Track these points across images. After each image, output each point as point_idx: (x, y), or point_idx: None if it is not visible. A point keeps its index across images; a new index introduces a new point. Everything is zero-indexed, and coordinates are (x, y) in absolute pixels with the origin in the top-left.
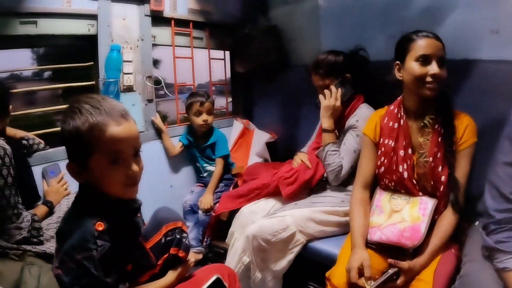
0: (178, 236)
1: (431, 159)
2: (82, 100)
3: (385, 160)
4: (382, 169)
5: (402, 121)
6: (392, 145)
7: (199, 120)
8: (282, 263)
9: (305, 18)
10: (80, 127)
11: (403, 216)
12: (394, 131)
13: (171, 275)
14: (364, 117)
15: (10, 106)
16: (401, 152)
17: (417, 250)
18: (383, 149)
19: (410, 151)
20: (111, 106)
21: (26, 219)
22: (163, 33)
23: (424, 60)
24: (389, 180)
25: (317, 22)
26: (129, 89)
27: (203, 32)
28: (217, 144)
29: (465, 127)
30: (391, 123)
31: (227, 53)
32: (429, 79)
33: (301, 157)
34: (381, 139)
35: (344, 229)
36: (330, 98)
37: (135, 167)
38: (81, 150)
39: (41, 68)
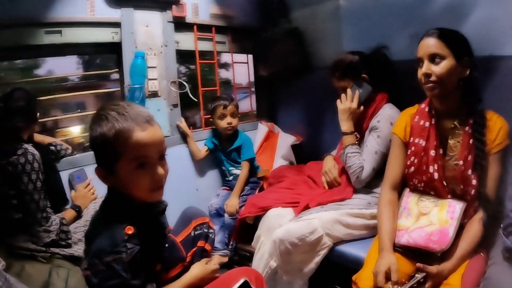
0: (205, 231)
1: (461, 162)
2: (108, 108)
3: (415, 160)
4: (412, 169)
5: (433, 120)
6: (423, 144)
7: (223, 123)
8: (309, 266)
9: (326, 20)
10: (106, 133)
11: (431, 219)
12: (425, 130)
13: (195, 268)
14: (385, 117)
15: (38, 114)
16: (432, 152)
17: (445, 254)
18: (413, 148)
19: (441, 151)
20: (136, 112)
21: (55, 222)
22: (186, 39)
23: (420, 62)
24: (418, 181)
25: (338, 23)
26: (154, 94)
27: (225, 36)
28: (242, 147)
29: (499, 129)
30: (422, 122)
31: (250, 56)
32: (424, 79)
33: (331, 170)
34: (411, 138)
35: (371, 232)
36: (346, 100)
37: (160, 171)
38: (108, 155)
39: (67, 75)
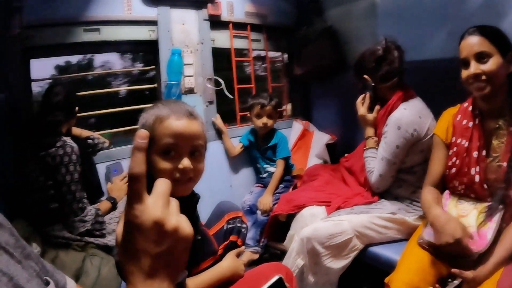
0: (238, 225)
1: (504, 164)
2: (160, 101)
3: (457, 161)
4: (453, 170)
5: (477, 120)
6: (466, 145)
7: (259, 123)
8: (337, 268)
9: (361, 18)
10: (147, 118)
11: (469, 222)
12: (468, 130)
13: (226, 261)
14: (393, 122)
15: (76, 108)
16: (475, 154)
17: (480, 258)
18: (455, 148)
19: (484, 152)
20: (179, 105)
21: (90, 213)
22: (222, 36)
23: (464, 63)
24: (459, 183)
25: (374, 21)
26: (190, 91)
27: (260, 34)
28: (278, 146)
29: None
30: (465, 122)
31: (285, 55)
32: (472, 80)
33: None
34: (454, 139)
35: (404, 235)
36: (358, 107)
37: (186, 164)
38: None
39: (107, 72)
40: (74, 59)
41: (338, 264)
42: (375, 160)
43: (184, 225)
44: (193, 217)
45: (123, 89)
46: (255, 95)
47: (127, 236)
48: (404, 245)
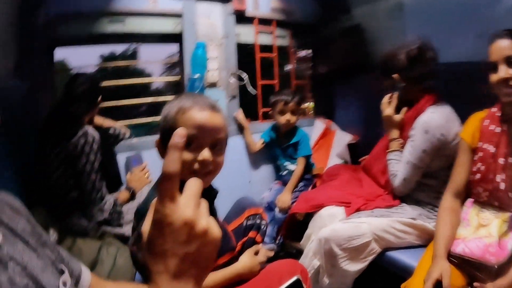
0: (258, 222)
1: None
2: (184, 93)
3: (482, 167)
4: (478, 176)
5: (505, 126)
6: (492, 151)
7: (282, 119)
8: (353, 271)
9: (388, 17)
10: (170, 109)
11: (490, 231)
12: (495, 135)
13: (244, 258)
14: (420, 125)
15: (99, 98)
16: (501, 160)
17: (501, 270)
18: (481, 154)
19: (511, 160)
20: (202, 98)
21: (109, 202)
22: (247, 32)
23: (493, 67)
24: (483, 190)
25: (401, 21)
26: (213, 85)
27: (285, 31)
28: (299, 144)
29: None
30: (492, 127)
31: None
32: (501, 84)
33: None
34: (480, 143)
35: (423, 240)
36: (384, 108)
37: (206, 155)
38: (166, 129)
39: (129, 63)
40: (119, 48)
41: (354, 267)
42: (399, 163)
43: (214, 227)
44: (211, 212)
45: (147, 80)
46: (278, 92)
47: (155, 234)
48: (423, 251)
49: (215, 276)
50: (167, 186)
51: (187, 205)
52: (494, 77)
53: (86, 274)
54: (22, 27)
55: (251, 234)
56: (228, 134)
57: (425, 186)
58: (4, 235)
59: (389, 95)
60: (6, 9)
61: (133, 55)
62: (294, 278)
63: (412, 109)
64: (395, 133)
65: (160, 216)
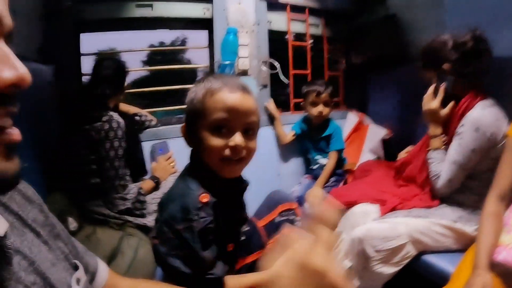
0: (291, 218)
1: None
2: (210, 75)
3: None
4: None
5: None
6: None
7: (314, 111)
8: (386, 274)
9: (427, 7)
10: (198, 92)
11: None
12: None
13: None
14: (470, 122)
15: (125, 84)
16: None
17: None
18: None
19: None
20: (232, 79)
21: (132, 191)
22: (279, 19)
23: None
24: None
25: (441, 11)
26: (244, 73)
27: (319, 19)
28: (332, 137)
29: None
30: None
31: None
32: None
33: None
34: None
35: (462, 245)
36: (429, 100)
37: (238, 140)
38: (194, 113)
39: (158, 49)
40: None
41: (387, 270)
42: (441, 163)
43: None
44: (241, 204)
45: (175, 67)
46: (311, 82)
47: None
48: (460, 256)
49: (239, 280)
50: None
51: (327, 256)
52: None
53: (102, 270)
54: (47, 10)
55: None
56: (260, 118)
57: (466, 188)
58: (12, 224)
59: (433, 87)
60: None
61: (183, 43)
62: None
63: (458, 105)
64: (438, 130)
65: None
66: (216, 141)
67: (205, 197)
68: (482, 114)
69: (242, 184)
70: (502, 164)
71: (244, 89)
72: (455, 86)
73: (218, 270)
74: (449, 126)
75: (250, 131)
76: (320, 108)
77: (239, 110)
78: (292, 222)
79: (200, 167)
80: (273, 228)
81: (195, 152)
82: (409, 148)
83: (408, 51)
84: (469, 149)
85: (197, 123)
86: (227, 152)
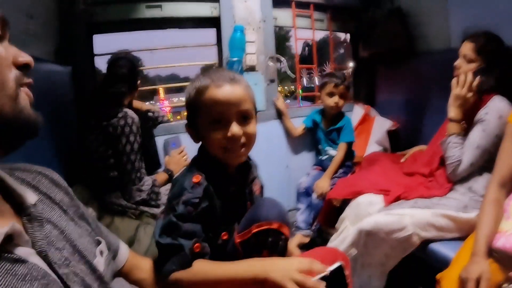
0: (270, 239)
1: None
2: (201, 72)
3: None
4: None
5: None
6: None
7: (330, 101)
8: (390, 262)
9: (431, 0)
10: (190, 91)
11: None
12: None
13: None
14: (495, 110)
15: (138, 82)
16: None
17: None
18: None
19: None
20: (219, 73)
21: (147, 183)
22: (284, 15)
23: None
24: None
25: (445, 4)
26: (252, 68)
27: (324, 14)
28: (343, 129)
29: None
30: None
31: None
32: None
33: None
34: None
35: (464, 233)
36: (463, 87)
37: (234, 130)
38: (191, 112)
39: (168, 47)
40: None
41: (393, 259)
42: (460, 147)
43: None
44: (245, 196)
45: (184, 64)
46: (329, 74)
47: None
48: (462, 243)
49: (210, 266)
50: None
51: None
52: None
53: (123, 250)
54: (63, 13)
55: (265, 253)
56: (255, 102)
57: (478, 175)
58: (41, 199)
59: (470, 75)
60: None
61: None
62: (337, 264)
63: (483, 97)
64: (459, 115)
65: None
66: (215, 135)
67: (197, 178)
68: (504, 104)
69: (248, 164)
70: (502, 151)
71: (232, 80)
72: (487, 82)
73: (194, 249)
74: (473, 114)
75: (246, 118)
76: (336, 99)
77: (230, 102)
78: (273, 243)
79: (206, 159)
80: (250, 248)
81: (202, 146)
82: (417, 148)
83: (414, 44)
84: (494, 135)
85: (196, 121)
86: (227, 142)
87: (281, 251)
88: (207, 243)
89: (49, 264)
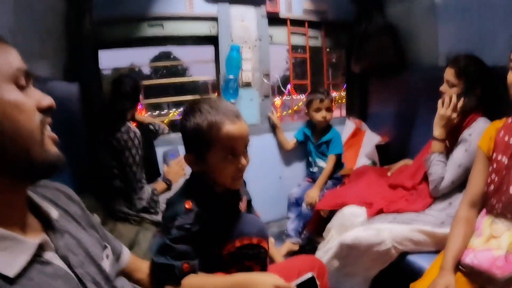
0: (251, 252)
1: None
2: (201, 101)
3: (496, 178)
4: (492, 187)
5: None
6: (506, 162)
7: (318, 116)
8: (372, 272)
9: (421, 16)
10: (200, 124)
11: (500, 244)
12: (509, 147)
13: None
14: (477, 131)
15: (140, 96)
16: None
17: (507, 284)
18: (495, 165)
19: None
20: (227, 107)
21: (147, 191)
22: (280, 33)
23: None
24: (496, 201)
25: (434, 20)
26: (248, 85)
27: (318, 31)
28: (332, 142)
29: None
30: (506, 138)
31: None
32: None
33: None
34: (494, 154)
35: (440, 247)
36: (448, 107)
37: (244, 161)
38: (201, 144)
39: (171, 64)
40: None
41: (373, 270)
42: (443, 165)
43: None
44: (235, 214)
45: (183, 80)
46: (313, 91)
47: None
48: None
49: (203, 280)
50: None
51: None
52: (509, 78)
53: (126, 253)
54: (71, 33)
55: (248, 263)
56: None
57: (459, 192)
58: (61, 215)
59: (454, 96)
60: (55, 13)
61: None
62: (309, 275)
63: (467, 118)
64: (443, 133)
65: None
66: (229, 167)
67: (189, 204)
68: (486, 126)
69: (236, 196)
70: (472, 173)
71: (239, 116)
72: (469, 102)
73: (184, 268)
74: (456, 134)
75: (246, 148)
76: (324, 113)
77: (242, 137)
78: (252, 258)
79: (199, 182)
80: (235, 259)
81: (196, 173)
82: (403, 162)
83: (405, 58)
84: (475, 155)
85: (204, 153)
86: (237, 172)
87: (262, 262)
88: (211, 255)
89: (69, 266)
